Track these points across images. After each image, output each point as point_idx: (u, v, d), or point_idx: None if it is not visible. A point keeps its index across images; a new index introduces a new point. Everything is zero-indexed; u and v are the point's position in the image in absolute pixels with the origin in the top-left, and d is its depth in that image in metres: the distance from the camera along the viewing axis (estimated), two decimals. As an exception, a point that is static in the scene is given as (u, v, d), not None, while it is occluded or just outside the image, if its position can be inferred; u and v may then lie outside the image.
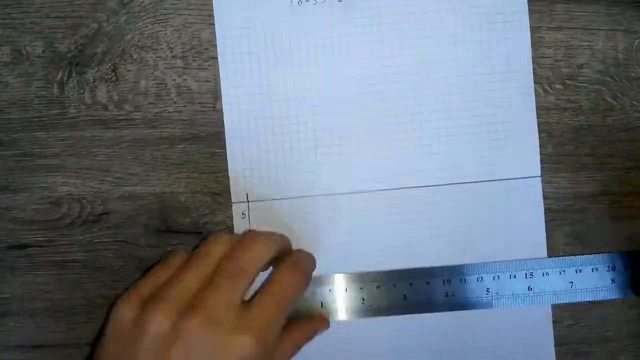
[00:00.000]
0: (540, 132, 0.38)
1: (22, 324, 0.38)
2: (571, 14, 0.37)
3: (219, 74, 0.37)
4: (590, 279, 0.37)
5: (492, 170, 0.37)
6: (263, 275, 0.34)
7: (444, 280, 0.37)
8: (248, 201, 0.37)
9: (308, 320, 0.37)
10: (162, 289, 0.32)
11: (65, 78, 0.37)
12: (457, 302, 0.37)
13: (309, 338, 0.36)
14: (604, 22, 0.37)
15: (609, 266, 0.37)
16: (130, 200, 0.37)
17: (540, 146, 0.38)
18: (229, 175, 0.37)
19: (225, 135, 0.37)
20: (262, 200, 0.37)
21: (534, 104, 0.37)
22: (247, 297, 0.32)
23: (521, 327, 0.38)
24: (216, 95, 0.37)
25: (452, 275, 0.37)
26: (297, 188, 0.37)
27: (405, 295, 0.37)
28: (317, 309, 0.37)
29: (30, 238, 0.37)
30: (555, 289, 0.37)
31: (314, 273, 0.36)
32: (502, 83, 0.37)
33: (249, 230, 0.35)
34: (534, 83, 0.37)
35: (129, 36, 0.37)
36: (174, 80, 0.37)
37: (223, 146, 0.37)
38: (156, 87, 0.37)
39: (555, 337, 0.38)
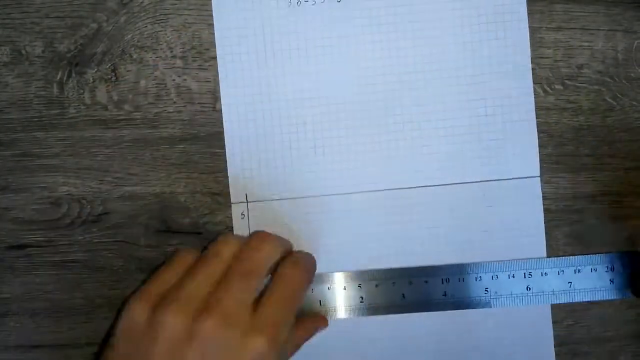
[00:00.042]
0: (539, 132, 0.37)
1: (22, 324, 0.38)
2: (571, 14, 0.37)
3: (219, 74, 0.37)
4: (589, 279, 0.37)
5: (491, 170, 0.37)
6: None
7: (442, 280, 0.37)
8: (247, 201, 0.37)
9: (308, 318, 0.37)
10: (173, 289, 0.32)
11: (64, 78, 0.37)
12: (456, 302, 0.37)
13: (309, 337, 0.36)
14: (604, 22, 0.37)
15: (607, 266, 0.37)
16: (130, 200, 0.37)
17: (540, 146, 0.38)
18: (229, 175, 0.37)
19: (225, 135, 0.37)
20: (262, 201, 0.37)
21: (533, 105, 0.37)
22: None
23: (520, 327, 0.38)
24: (216, 96, 0.37)
25: (451, 274, 0.37)
26: (296, 188, 0.37)
27: (403, 294, 0.37)
28: (316, 308, 0.37)
29: (30, 238, 0.37)
30: (554, 289, 0.37)
31: (314, 272, 0.36)
32: (502, 83, 0.37)
33: (256, 232, 0.35)
34: (534, 83, 0.37)
35: (129, 36, 0.37)
36: (174, 80, 0.37)
37: (223, 146, 0.37)
38: (156, 87, 0.37)
39: (555, 337, 0.38)
